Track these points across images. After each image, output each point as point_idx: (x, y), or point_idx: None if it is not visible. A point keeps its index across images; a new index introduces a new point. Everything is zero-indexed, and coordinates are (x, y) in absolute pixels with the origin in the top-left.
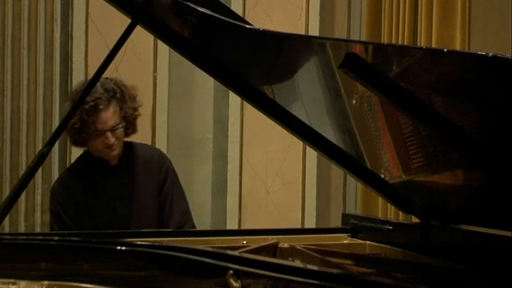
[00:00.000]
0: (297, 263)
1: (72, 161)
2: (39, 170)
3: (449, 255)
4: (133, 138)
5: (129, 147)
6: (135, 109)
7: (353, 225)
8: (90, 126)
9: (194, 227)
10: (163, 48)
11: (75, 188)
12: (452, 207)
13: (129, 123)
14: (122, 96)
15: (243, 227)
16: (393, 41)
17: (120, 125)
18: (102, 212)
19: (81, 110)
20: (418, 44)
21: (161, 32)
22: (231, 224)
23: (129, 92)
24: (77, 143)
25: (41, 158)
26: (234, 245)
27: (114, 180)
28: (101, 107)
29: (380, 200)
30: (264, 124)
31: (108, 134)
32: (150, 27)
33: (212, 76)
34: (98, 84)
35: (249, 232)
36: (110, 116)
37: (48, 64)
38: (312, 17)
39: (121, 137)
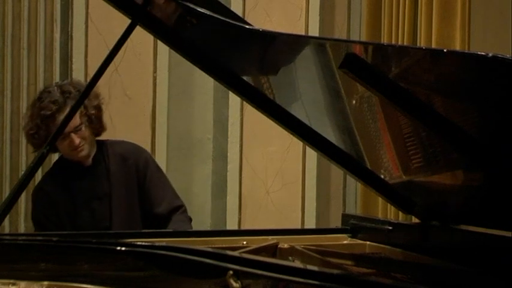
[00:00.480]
0: (297, 264)
1: None
2: (39, 171)
3: (449, 255)
4: (133, 138)
5: (102, 145)
6: (98, 107)
7: (353, 226)
8: (49, 131)
9: (185, 210)
10: (163, 48)
11: (53, 193)
12: (452, 208)
13: (93, 121)
14: (76, 96)
15: (242, 228)
16: (393, 41)
17: (82, 125)
18: (82, 214)
19: (37, 116)
20: (418, 44)
21: (161, 32)
22: (231, 225)
23: (93, 90)
24: (39, 147)
25: (41, 159)
26: (234, 245)
27: (90, 181)
28: (56, 111)
29: (380, 200)
30: (263, 124)
31: (72, 135)
32: (149, 27)
33: (212, 76)
34: (55, 87)
35: (249, 232)
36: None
37: (48, 64)
38: (312, 18)
39: (87, 137)
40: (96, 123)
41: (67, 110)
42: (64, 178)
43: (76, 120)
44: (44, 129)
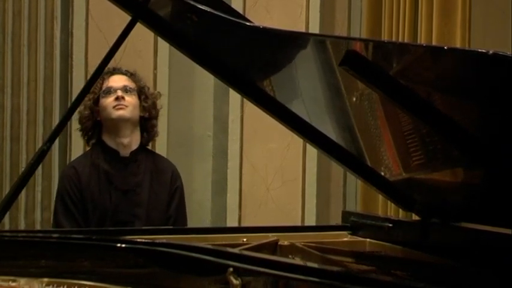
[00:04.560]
0: (297, 261)
1: (73, 158)
2: (39, 168)
3: (449, 253)
4: None
5: (147, 150)
6: (155, 106)
7: (353, 223)
8: (99, 90)
9: None
10: (163, 45)
11: (82, 174)
12: (453, 205)
13: (145, 108)
14: (138, 76)
15: (243, 225)
16: (393, 39)
17: (134, 89)
18: (103, 201)
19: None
20: (419, 42)
21: (161, 29)
22: (231, 222)
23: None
24: (89, 129)
25: (41, 156)
26: (234, 242)
27: (119, 171)
28: (115, 71)
29: (380, 197)
30: (264, 122)
31: (119, 91)
32: (150, 24)
33: (212, 73)
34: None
35: (249, 230)
36: (124, 78)
37: (48, 61)
38: (312, 15)
39: (134, 105)
40: (148, 115)
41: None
42: (96, 162)
43: (128, 81)
44: (98, 88)
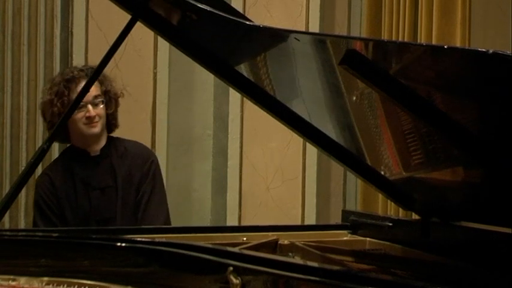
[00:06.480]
0: (297, 260)
1: None
2: (39, 167)
3: (449, 252)
4: (133, 133)
5: (112, 140)
6: (117, 97)
7: (353, 222)
8: (66, 100)
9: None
10: (163, 44)
11: (57, 180)
12: (453, 204)
13: (110, 107)
14: (102, 75)
15: (243, 224)
16: (393, 38)
17: (101, 99)
18: (82, 203)
19: (58, 84)
20: (419, 41)
21: (161, 28)
22: (231, 221)
23: (108, 74)
24: (57, 131)
25: (41, 154)
26: (234, 241)
27: (92, 171)
28: (80, 78)
29: (380, 196)
30: (264, 121)
31: (89, 106)
32: (150, 23)
33: (212, 72)
34: (74, 67)
35: (249, 229)
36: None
37: (48, 60)
38: (313, 14)
39: (102, 116)
40: (112, 111)
41: (84, 81)
42: (69, 166)
43: (96, 90)
44: (66, 94)
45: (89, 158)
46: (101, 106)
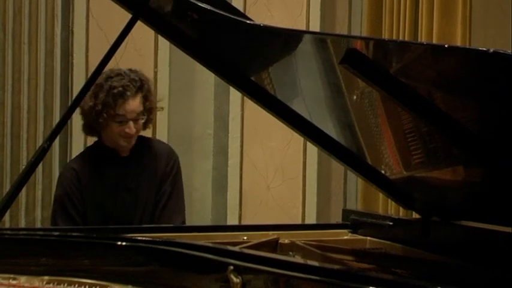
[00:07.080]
0: (298, 259)
1: (73, 156)
2: (40, 165)
3: (449, 251)
4: None
5: (142, 140)
6: (153, 109)
7: (353, 221)
8: (111, 112)
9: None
10: (164, 43)
11: (83, 175)
12: (453, 203)
13: (149, 120)
14: (148, 88)
15: (243, 223)
16: (394, 37)
17: (143, 117)
18: (106, 202)
19: (106, 94)
20: (419, 40)
21: (162, 27)
22: (232, 220)
23: (151, 86)
24: (90, 128)
25: (42, 153)
26: (235, 240)
27: (123, 171)
28: (129, 93)
29: (381, 195)
30: (264, 120)
31: (131, 123)
32: (150, 22)
33: (213, 72)
34: (123, 73)
35: (250, 228)
36: (136, 105)
37: (48, 59)
38: (313, 13)
39: (139, 130)
40: (149, 123)
41: (137, 97)
42: (96, 163)
43: (141, 110)
44: (113, 107)
45: (119, 158)
46: (141, 122)
